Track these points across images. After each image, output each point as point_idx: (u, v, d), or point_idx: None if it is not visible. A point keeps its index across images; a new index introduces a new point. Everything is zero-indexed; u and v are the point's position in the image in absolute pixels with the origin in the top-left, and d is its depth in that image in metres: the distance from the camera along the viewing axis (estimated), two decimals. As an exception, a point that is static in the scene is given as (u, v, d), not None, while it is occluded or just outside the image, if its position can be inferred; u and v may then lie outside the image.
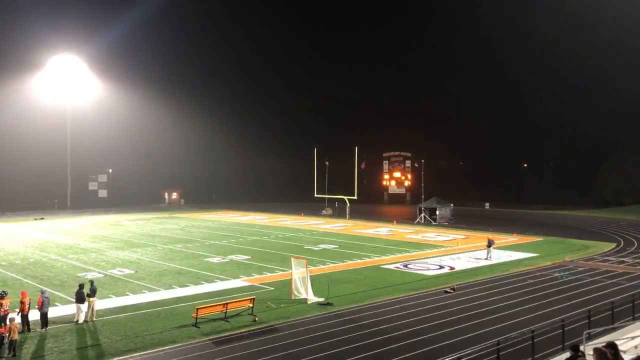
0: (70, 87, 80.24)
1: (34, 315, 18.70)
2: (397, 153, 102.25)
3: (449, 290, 24.33)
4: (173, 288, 25.09)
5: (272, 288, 25.05)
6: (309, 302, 21.98)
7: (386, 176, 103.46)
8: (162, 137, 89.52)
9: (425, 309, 21.25)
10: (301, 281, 23.04)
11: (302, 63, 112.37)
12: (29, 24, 78.57)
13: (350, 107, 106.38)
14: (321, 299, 22.35)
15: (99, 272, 28.78)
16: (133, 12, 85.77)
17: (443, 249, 38.62)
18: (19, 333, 16.78)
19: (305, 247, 39.34)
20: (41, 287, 21.54)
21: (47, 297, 18.92)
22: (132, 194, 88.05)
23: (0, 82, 74.31)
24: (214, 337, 17.67)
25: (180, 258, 33.84)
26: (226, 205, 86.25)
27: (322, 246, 39.55)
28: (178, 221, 59.82)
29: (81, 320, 19.22)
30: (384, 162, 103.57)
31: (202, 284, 26.08)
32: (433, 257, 34.70)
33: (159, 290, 24.72)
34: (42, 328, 18.33)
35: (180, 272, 28.95)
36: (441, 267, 30.93)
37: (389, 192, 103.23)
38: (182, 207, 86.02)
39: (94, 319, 19.49)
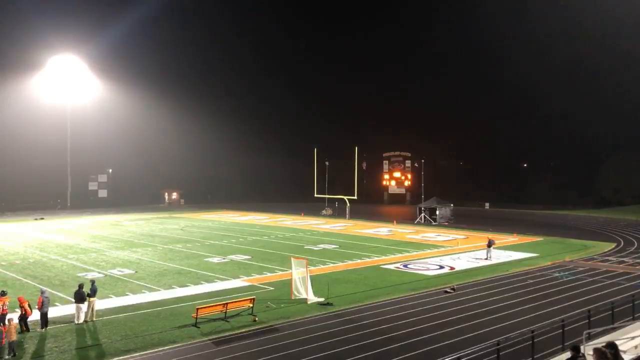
0: (70, 87, 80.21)
1: (34, 315, 18.69)
2: (397, 153, 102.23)
3: (449, 290, 24.32)
4: (173, 288, 25.09)
5: (272, 288, 25.05)
6: (309, 302, 21.98)
7: (386, 176, 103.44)
8: (162, 137, 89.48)
9: (425, 309, 21.25)
10: (301, 281, 23.03)
11: (302, 63, 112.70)
12: (29, 24, 78.76)
13: (350, 107, 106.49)
14: (321, 299, 22.35)
15: (99, 272, 28.78)
16: (133, 12, 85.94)
17: (443, 249, 38.61)
18: (18, 333, 16.79)
19: (305, 247, 39.34)
20: (41, 287, 21.53)
21: (47, 297, 18.92)
22: (132, 194, 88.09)
23: (0, 82, 74.35)
24: (214, 337, 17.67)
25: (180, 258, 33.84)
26: (226, 205, 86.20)
27: (322, 246, 39.55)
28: (178, 221, 59.81)
29: (81, 320, 19.22)
30: (384, 162, 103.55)
31: (202, 284, 26.08)
32: (433, 257, 34.69)
33: (159, 290, 24.72)
34: (42, 328, 18.33)
35: (180, 272, 28.95)
36: (441, 267, 30.93)
37: (389, 192, 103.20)
38: (182, 207, 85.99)
39: (94, 319, 19.49)
